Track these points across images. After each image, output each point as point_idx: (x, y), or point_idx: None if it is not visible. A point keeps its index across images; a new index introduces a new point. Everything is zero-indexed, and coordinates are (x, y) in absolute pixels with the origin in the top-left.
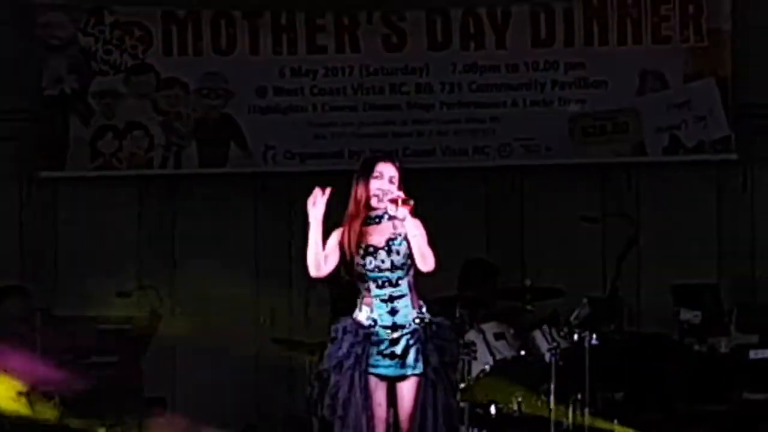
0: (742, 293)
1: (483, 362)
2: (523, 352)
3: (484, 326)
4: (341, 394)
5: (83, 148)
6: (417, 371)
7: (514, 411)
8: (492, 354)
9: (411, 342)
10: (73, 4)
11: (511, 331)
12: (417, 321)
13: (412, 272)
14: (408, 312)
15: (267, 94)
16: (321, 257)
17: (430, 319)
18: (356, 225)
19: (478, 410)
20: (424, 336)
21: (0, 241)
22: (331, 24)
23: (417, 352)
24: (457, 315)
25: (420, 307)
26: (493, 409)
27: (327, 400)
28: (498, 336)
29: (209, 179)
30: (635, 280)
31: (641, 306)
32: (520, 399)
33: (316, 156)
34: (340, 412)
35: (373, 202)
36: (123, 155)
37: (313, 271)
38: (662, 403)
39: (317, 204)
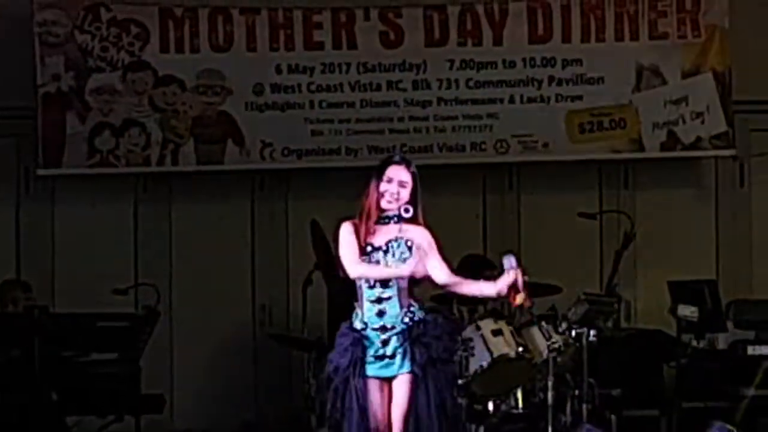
0: (740, 289)
1: (480, 359)
2: (520, 349)
3: (482, 323)
4: (342, 399)
5: (80, 145)
6: (405, 370)
7: (512, 407)
8: (489, 350)
9: (399, 342)
10: (69, 2)
11: (509, 327)
12: (405, 321)
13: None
14: (396, 313)
15: (264, 91)
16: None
17: (418, 318)
18: (369, 223)
19: (476, 407)
20: (410, 335)
21: None
22: (327, 21)
23: (405, 352)
24: (455, 311)
25: (409, 307)
26: (491, 406)
27: (329, 406)
28: (495, 332)
29: (206, 176)
30: (633, 276)
31: (639, 302)
32: (518, 395)
33: (313, 153)
34: (341, 416)
35: (383, 204)
36: (120, 152)
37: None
38: (659, 400)
39: None
